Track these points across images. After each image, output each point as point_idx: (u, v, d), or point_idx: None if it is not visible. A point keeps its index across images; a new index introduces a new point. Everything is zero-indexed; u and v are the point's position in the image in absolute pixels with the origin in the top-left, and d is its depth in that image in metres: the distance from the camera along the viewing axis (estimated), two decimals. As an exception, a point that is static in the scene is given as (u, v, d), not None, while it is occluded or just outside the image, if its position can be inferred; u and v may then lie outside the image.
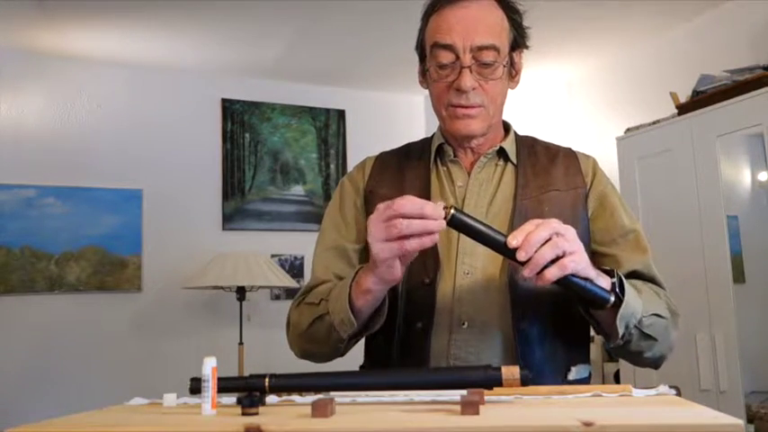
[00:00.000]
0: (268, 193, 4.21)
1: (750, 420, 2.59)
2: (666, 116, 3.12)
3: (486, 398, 0.76)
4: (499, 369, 0.78)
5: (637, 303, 1.04)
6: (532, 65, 4.07)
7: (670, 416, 0.68)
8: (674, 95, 3.06)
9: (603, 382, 3.20)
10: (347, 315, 1.05)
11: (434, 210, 0.92)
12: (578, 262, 0.94)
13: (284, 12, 3.31)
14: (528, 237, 0.91)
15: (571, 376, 1.13)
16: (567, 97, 4.30)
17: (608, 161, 3.60)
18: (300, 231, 4.20)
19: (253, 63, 3.99)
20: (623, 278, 1.04)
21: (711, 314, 2.74)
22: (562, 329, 1.13)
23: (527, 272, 0.92)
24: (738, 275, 2.74)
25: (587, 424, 0.60)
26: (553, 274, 0.92)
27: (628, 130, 3.33)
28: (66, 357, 3.60)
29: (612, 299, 0.97)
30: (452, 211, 0.93)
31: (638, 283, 1.13)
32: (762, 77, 2.65)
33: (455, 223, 0.94)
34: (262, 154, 4.22)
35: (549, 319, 1.12)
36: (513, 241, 0.92)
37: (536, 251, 0.91)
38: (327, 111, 4.41)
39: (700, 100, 2.90)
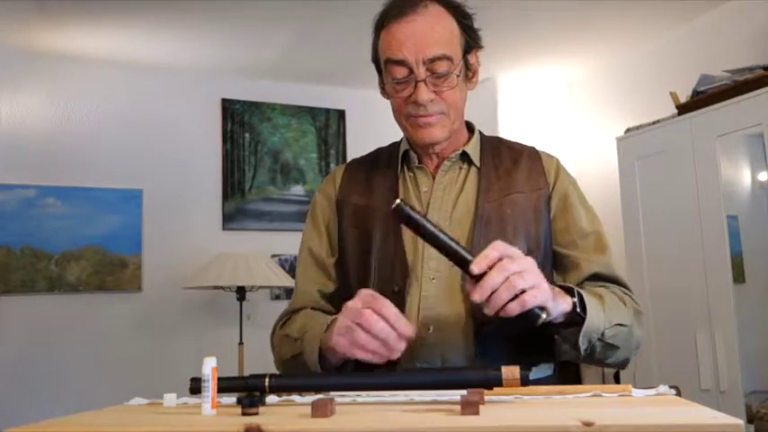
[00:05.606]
0: (268, 193, 4.21)
1: (750, 420, 2.59)
2: (666, 116, 3.12)
3: (486, 398, 0.76)
4: (499, 369, 0.79)
5: (599, 319, 1.05)
6: (532, 65, 4.07)
7: (670, 416, 0.68)
8: (673, 95, 3.06)
9: (603, 383, 3.20)
10: (317, 368, 1.08)
11: (397, 339, 0.95)
12: (537, 296, 0.94)
13: (284, 12, 3.31)
14: (482, 283, 0.92)
15: (532, 376, 1.13)
16: (567, 97, 4.30)
17: (608, 161, 3.60)
18: (300, 231, 4.18)
19: (253, 63, 3.98)
20: (584, 296, 1.04)
21: (711, 314, 2.73)
22: (524, 331, 1.12)
23: (487, 310, 0.94)
24: (738, 275, 2.74)
25: (587, 424, 0.60)
26: (513, 309, 0.93)
27: (628, 130, 3.33)
28: (67, 357, 3.60)
29: (544, 316, 0.96)
30: (398, 202, 0.94)
31: (602, 290, 1.13)
32: (762, 77, 2.65)
33: (402, 217, 0.94)
34: (262, 154, 4.22)
35: (511, 321, 1.11)
36: (475, 268, 0.92)
37: (492, 293, 0.92)
38: (327, 111, 4.41)
39: (700, 100, 2.90)
